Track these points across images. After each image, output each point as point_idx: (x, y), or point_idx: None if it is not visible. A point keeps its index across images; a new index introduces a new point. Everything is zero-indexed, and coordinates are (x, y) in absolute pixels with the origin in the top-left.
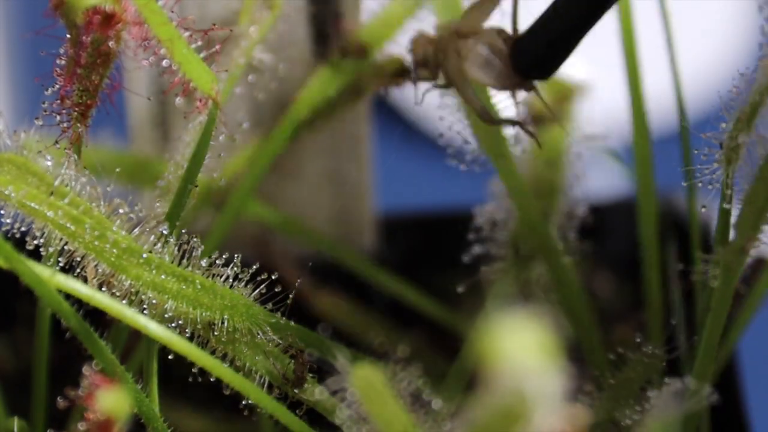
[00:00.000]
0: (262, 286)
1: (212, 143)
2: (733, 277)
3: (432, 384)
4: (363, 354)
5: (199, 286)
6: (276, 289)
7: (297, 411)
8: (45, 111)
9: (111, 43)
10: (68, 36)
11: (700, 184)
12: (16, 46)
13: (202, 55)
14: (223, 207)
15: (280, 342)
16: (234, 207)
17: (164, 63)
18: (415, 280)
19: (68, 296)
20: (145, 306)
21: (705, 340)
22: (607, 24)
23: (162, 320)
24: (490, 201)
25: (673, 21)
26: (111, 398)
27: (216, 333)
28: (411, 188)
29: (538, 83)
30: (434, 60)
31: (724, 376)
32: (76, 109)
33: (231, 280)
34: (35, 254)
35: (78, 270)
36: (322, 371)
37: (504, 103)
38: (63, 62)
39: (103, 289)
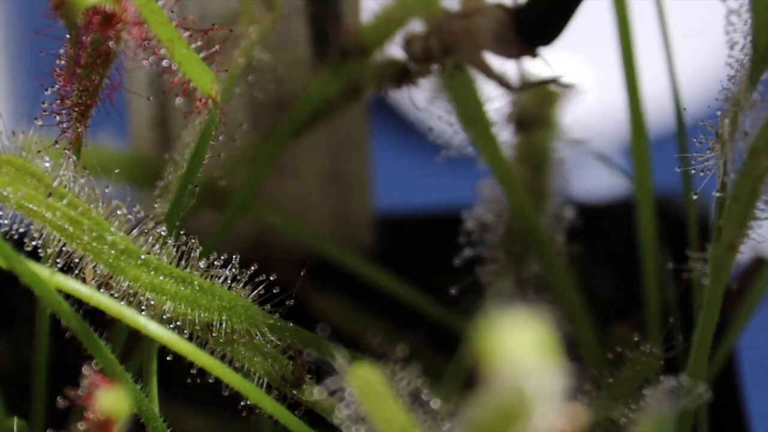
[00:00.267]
0: (260, 287)
1: (212, 143)
2: (723, 274)
3: (431, 383)
4: (362, 354)
5: (197, 287)
6: (274, 290)
7: (296, 411)
8: (44, 111)
9: (111, 43)
10: (68, 36)
11: (697, 183)
12: (16, 46)
13: (202, 55)
14: (223, 207)
15: (279, 343)
16: (233, 207)
17: (164, 63)
18: (415, 280)
19: (68, 296)
20: (143, 307)
21: (698, 338)
22: (607, 24)
23: (161, 321)
24: (480, 202)
25: (673, 21)
26: (111, 398)
27: (214, 334)
28: (410, 187)
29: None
30: (440, 48)
31: (724, 375)
32: (76, 109)
33: (229, 281)
34: (34, 255)
35: (77, 271)
36: (321, 371)
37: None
38: (63, 62)
39: (102, 290)
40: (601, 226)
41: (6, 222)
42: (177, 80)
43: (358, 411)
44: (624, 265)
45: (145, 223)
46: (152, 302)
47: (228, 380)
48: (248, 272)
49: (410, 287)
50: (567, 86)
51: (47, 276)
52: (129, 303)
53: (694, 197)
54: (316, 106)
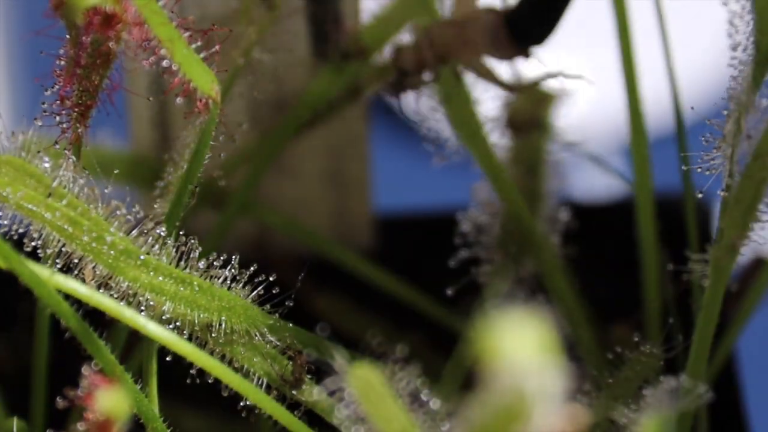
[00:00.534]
0: (260, 287)
1: (212, 143)
2: (723, 276)
3: (431, 383)
4: (361, 354)
5: (196, 288)
6: (274, 290)
7: (296, 411)
8: (44, 111)
9: (111, 44)
10: (68, 36)
11: (698, 183)
12: (16, 47)
13: (202, 55)
14: (222, 207)
15: (278, 343)
16: (233, 207)
17: (164, 63)
18: (414, 280)
19: (67, 296)
20: (143, 307)
21: (697, 339)
22: (607, 24)
23: (160, 321)
24: (477, 202)
25: (673, 21)
26: (110, 398)
27: (214, 334)
28: (410, 188)
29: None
30: (433, 58)
31: (724, 375)
32: (76, 109)
33: (229, 282)
34: (34, 255)
35: (77, 271)
36: (321, 371)
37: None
38: (63, 63)
39: (102, 290)
40: (602, 226)
41: (5, 222)
42: (177, 80)
43: (358, 411)
44: (624, 266)
45: (144, 224)
46: (152, 302)
47: (227, 380)
48: (248, 272)
49: (410, 287)
50: (563, 87)
51: (47, 276)
52: (128, 303)
53: (695, 197)
54: (315, 106)
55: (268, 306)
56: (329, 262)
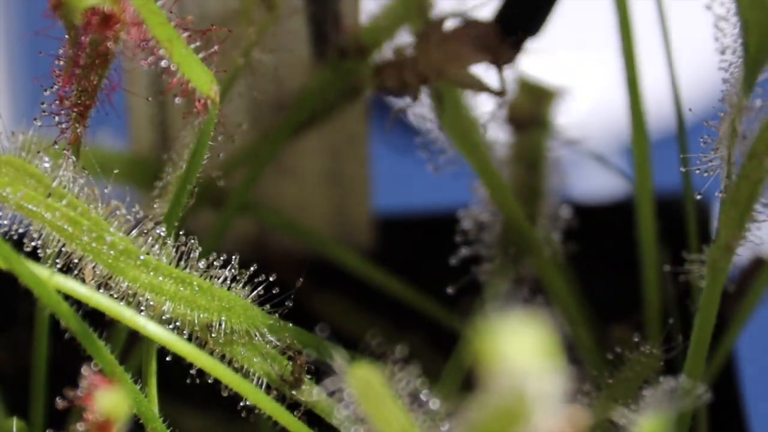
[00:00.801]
0: (260, 288)
1: (211, 143)
2: (720, 276)
3: (430, 384)
4: (361, 354)
5: (196, 288)
6: (274, 290)
7: (295, 412)
8: (44, 111)
9: (110, 44)
10: (67, 37)
11: (698, 183)
12: (15, 47)
13: (201, 55)
14: (222, 207)
15: (278, 343)
16: (232, 207)
17: (163, 63)
18: (414, 280)
19: (67, 297)
20: (143, 307)
21: (695, 339)
22: (608, 24)
23: (160, 321)
24: (477, 202)
25: (673, 21)
26: (110, 399)
27: (214, 334)
28: (410, 187)
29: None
30: (417, 78)
31: (723, 375)
32: (75, 109)
33: (229, 282)
34: (34, 255)
35: (76, 271)
36: (320, 372)
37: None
38: (62, 63)
39: (101, 290)
40: (602, 225)
41: (5, 222)
42: (176, 81)
43: (358, 411)
44: (624, 266)
45: (144, 224)
46: (151, 303)
47: (227, 381)
48: (248, 273)
49: (409, 287)
50: (563, 85)
51: (47, 276)
52: (128, 303)
53: (695, 198)
54: (315, 106)
55: (268, 306)
56: (329, 262)
